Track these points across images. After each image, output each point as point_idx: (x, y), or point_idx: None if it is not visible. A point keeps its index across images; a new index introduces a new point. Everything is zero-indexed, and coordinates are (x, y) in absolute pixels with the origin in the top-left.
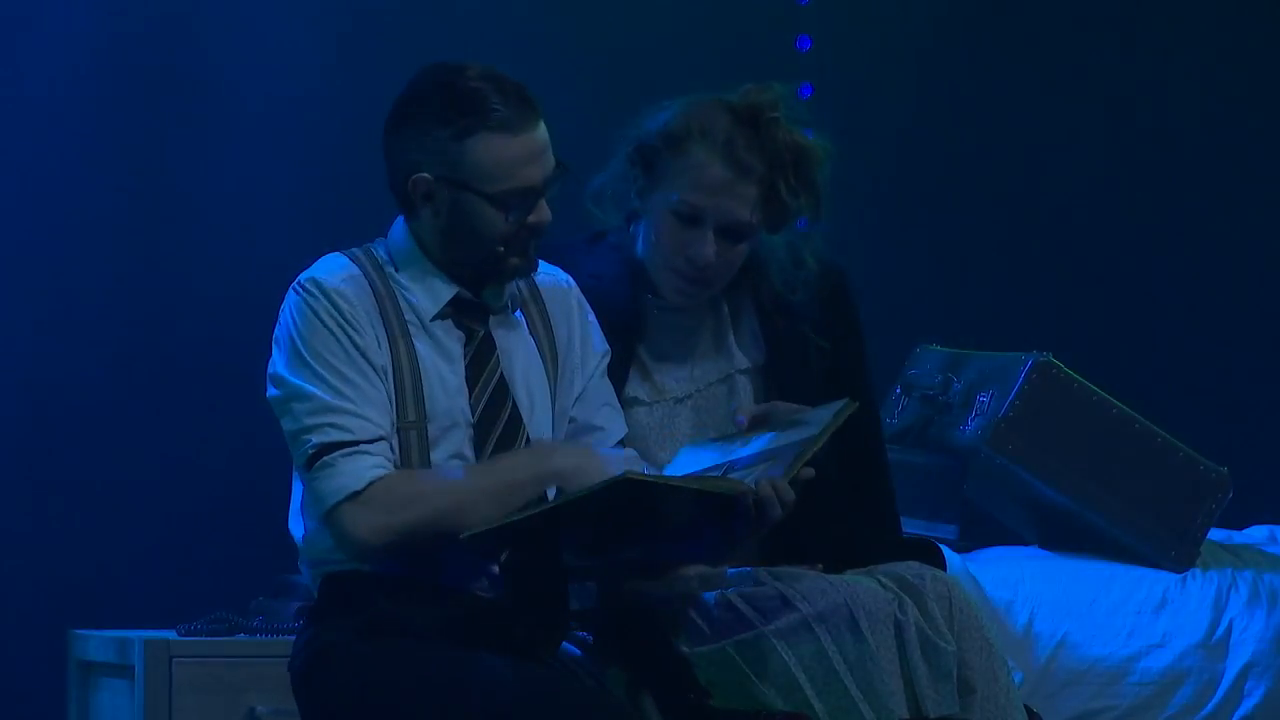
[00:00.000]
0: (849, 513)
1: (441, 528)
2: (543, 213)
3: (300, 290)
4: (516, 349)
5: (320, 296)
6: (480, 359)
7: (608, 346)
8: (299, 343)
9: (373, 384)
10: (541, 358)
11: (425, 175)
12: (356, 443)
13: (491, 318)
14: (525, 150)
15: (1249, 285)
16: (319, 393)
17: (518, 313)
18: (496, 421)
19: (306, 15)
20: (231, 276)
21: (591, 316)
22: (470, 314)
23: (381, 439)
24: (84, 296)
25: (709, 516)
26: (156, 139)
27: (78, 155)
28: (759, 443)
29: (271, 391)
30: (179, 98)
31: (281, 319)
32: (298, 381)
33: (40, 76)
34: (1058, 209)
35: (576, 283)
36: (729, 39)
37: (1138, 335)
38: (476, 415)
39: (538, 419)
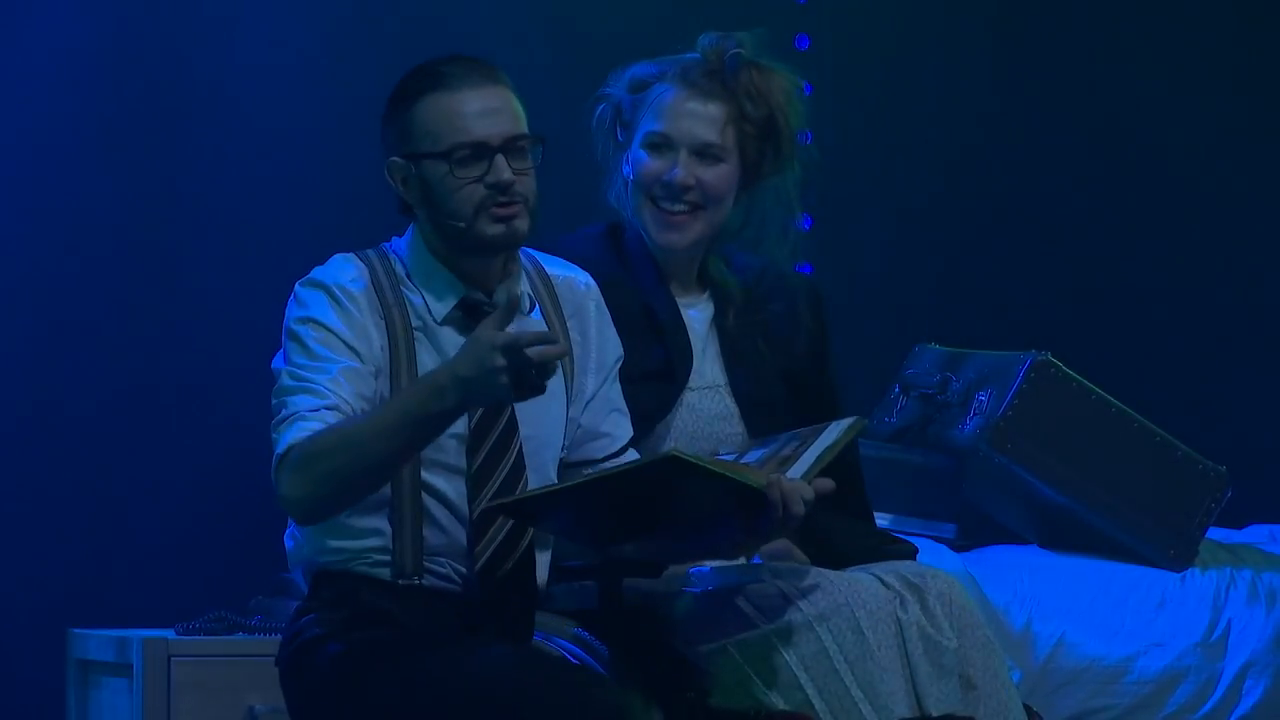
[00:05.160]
0: (831, 513)
1: (352, 474)
2: (500, 171)
3: (300, 286)
4: None
5: (316, 290)
6: None
7: (622, 352)
8: (285, 334)
9: (339, 360)
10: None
11: (395, 159)
12: (294, 415)
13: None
14: (471, 105)
15: (1248, 285)
16: (284, 379)
17: (535, 313)
18: (490, 431)
19: (309, 16)
20: (232, 278)
21: (609, 319)
22: (480, 318)
23: (322, 409)
24: (84, 297)
25: (736, 510)
26: (157, 140)
27: (78, 157)
28: (773, 445)
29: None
30: (181, 100)
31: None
32: (276, 367)
33: (40, 77)
34: (1057, 209)
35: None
36: None
37: (1137, 335)
38: (471, 424)
39: (548, 426)
